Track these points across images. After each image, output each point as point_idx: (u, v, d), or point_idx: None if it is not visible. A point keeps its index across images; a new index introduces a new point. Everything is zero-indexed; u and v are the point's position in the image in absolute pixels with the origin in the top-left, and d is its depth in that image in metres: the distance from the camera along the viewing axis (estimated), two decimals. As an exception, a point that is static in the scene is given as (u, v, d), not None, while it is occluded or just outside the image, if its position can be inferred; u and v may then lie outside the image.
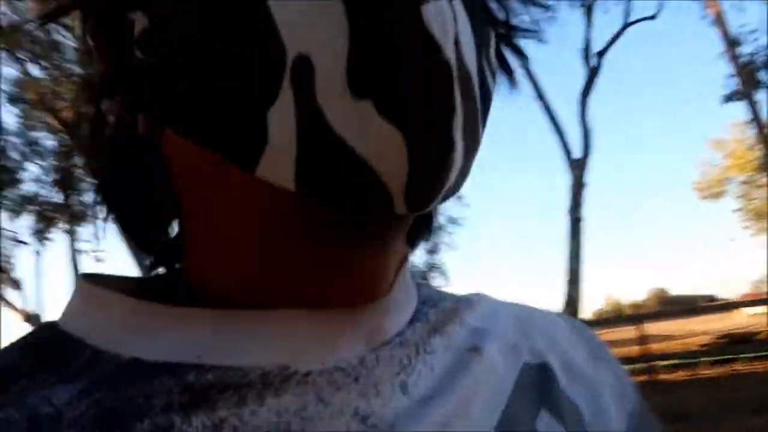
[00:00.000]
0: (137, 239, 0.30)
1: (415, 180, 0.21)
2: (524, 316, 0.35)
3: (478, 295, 0.36)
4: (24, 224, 12.30)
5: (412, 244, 0.33)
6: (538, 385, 0.31)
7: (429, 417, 0.25)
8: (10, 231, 12.01)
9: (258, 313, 0.25)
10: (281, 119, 0.21)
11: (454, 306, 0.32)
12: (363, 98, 0.20)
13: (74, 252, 11.24)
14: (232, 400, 0.22)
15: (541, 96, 8.83)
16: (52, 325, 0.25)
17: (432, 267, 11.47)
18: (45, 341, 0.24)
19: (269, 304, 0.25)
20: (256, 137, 0.21)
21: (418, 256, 11.60)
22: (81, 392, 0.22)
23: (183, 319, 0.24)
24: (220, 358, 0.23)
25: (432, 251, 11.66)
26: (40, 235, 12.34)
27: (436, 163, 0.21)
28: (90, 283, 0.26)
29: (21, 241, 12.23)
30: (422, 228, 0.33)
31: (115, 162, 0.29)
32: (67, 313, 0.26)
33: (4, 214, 11.90)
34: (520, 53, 0.30)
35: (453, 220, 11.78)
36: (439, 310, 0.31)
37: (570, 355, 0.34)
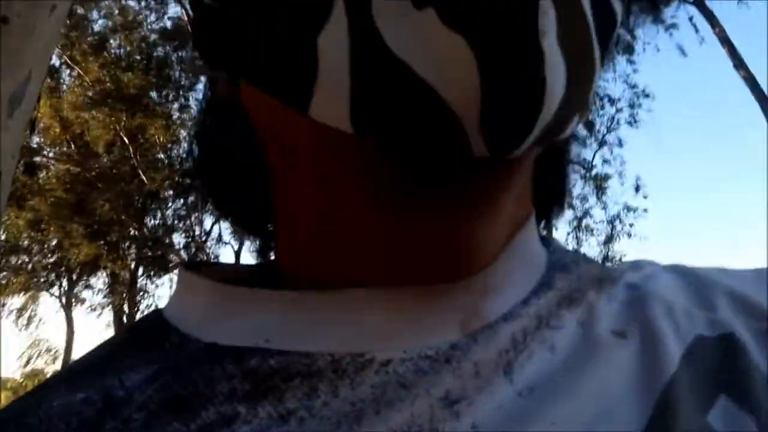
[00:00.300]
0: (236, 220, 0.29)
1: (493, 106, 0.17)
2: (702, 279, 0.28)
3: (637, 261, 0.30)
4: (226, 227, 14.04)
5: (542, 211, 0.28)
6: (717, 364, 0.23)
7: (532, 411, 0.21)
8: (216, 233, 13.85)
9: (328, 294, 0.23)
10: (333, 44, 0.18)
11: (600, 273, 0.27)
12: (424, 6, 0.17)
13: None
14: (302, 389, 0.21)
15: (741, 64, 8.02)
16: (157, 311, 0.26)
17: (606, 258, 10.93)
18: (146, 326, 0.25)
19: (343, 284, 0.23)
20: (306, 69, 0.19)
21: (593, 247, 11.18)
22: (150, 377, 0.22)
23: (255, 301, 0.23)
24: (286, 343, 0.22)
25: (607, 242, 11.14)
26: (238, 235, 13.94)
27: (519, 81, 0.17)
28: (188, 270, 0.26)
29: (224, 242, 14.02)
30: (550, 188, 0.28)
31: (205, 132, 0.28)
32: (169, 300, 0.26)
33: (210, 219, 13.73)
34: None
35: (631, 209, 11.11)
36: (574, 276, 0.26)
37: None
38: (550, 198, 0.29)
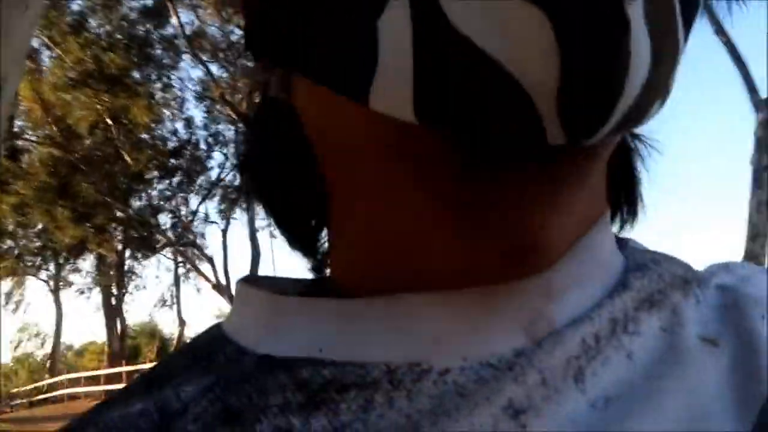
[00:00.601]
0: (289, 233, 0.28)
1: (573, 86, 0.15)
2: None
3: (728, 261, 0.28)
4: (212, 206, 14.05)
5: (614, 207, 0.26)
6: None
7: (608, 425, 0.19)
8: (202, 212, 13.89)
9: (384, 300, 0.22)
10: (394, 26, 0.16)
11: (685, 273, 0.25)
12: None
13: (253, 229, 12.63)
14: (357, 402, 0.20)
15: (721, 29, 8.07)
16: (217, 325, 0.26)
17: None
18: (205, 339, 0.25)
19: (399, 290, 0.22)
20: (365, 54, 0.17)
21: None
22: (205, 388, 0.22)
23: (308, 311, 0.23)
24: (339, 353, 0.21)
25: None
26: (225, 214, 14.01)
27: (602, 55, 0.15)
28: (245, 283, 0.26)
29: (210, 221, 14.06)
30: (623, 188, 0.26)
31: (255, 136, 0.27)
32: (228, 314, 0.26)
33: (196, 198, 13.76)
34: None
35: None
36: (654, 276, 0.24)
37: None
38: (623, 198, 0.27)
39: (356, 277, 0.24)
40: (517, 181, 0.19)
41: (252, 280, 0.26)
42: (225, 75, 10.80)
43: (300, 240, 0.27)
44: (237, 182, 12.96)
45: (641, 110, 0.17)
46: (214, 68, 10.88)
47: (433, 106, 0.17)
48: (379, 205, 0.22)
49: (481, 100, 0.16)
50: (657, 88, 0.17)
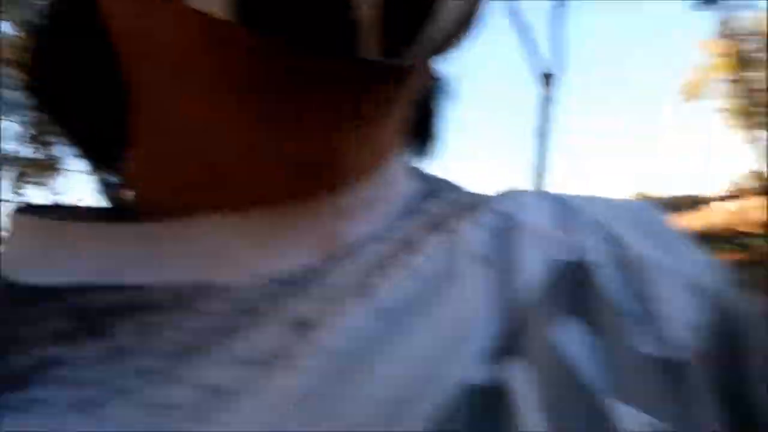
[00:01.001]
0: (88, 152, 0.25)
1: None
2: (571, 205, 0.28)
3: (508, 189, 0.29)
4: (4, 182, 11.91)
5: (415, 140, 0.27)
6: (572, 289, 0.24)
7: (388, 334, 0.20)
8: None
9: (171, 223, 0.21)
10: None
11: (470, 200, 0.27)
12: None
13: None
14: (138, 324, 0.19)
15: (510, 7, 8.33)
16: None
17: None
18: None
19: (199, 211, 0.21)
20: None
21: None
22: None
23: (90, 236, 0.21)
24: (122, 277, 0.20)
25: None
26: (18, 191, 12.01)
27: None
28: (21, 212, 0.23)
29: (1, 199, 11.91)
30: (422, 124, 0.27)
31: (49, 40, 0.23)
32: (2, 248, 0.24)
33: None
34: None
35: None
36: (443, 203, 0.25)
37: (629, 248, 0.26)
38: (421, 132, 0.28)
39: (154, 198, 0.22)
40: (322, 96, 0.18)
41: (31, 208, 0.24)
42: (11, 33, 8.83)
43: (101, 160, 0.26)
44: (32, 154, 11.06)
45: (452, 36, 0.18)
46: (5, 27, 8.85)
47: (249, 3, 0.16)
48: (180, 115, 0.20)
49: (298, 5, 0.16)
50: (467, 17, 0.18)
